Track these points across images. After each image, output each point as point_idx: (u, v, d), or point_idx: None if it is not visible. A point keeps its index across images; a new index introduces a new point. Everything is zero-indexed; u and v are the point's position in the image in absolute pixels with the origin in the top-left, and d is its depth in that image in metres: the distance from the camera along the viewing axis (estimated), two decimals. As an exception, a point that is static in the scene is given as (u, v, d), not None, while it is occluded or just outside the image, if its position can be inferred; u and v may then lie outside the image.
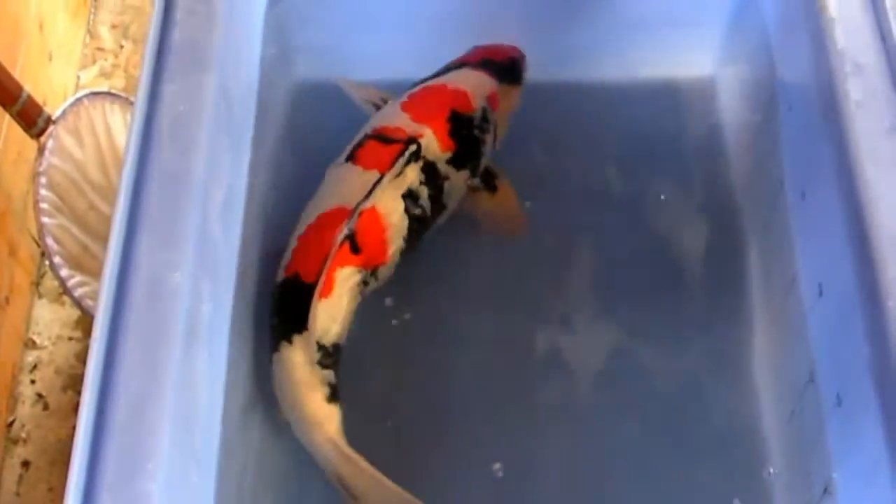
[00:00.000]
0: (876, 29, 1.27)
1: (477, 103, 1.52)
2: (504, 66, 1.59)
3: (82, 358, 1.72)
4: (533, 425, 1.43)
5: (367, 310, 1.42)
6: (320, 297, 1.32)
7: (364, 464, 1.27)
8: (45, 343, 1.85)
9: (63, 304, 1.88)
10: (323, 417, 1.30)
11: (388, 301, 1.49)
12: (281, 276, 1.38)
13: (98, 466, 1.00)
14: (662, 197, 1.58)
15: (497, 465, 1.39)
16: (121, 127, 1.81)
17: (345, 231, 1.34)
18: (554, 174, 1.60)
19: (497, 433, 1.42)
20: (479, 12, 1.65)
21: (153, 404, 1.03)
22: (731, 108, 1.65)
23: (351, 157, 1.45)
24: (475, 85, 1.54)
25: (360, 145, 1.46)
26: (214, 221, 1.22)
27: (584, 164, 1.61)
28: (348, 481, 1.28)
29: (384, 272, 1.43)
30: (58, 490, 1.68)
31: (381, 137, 1.45)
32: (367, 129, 1.49)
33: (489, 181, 1.55)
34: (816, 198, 1.31)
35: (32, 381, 1.81)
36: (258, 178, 1.42)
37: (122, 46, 2.19)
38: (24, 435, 1.76)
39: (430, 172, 1.45)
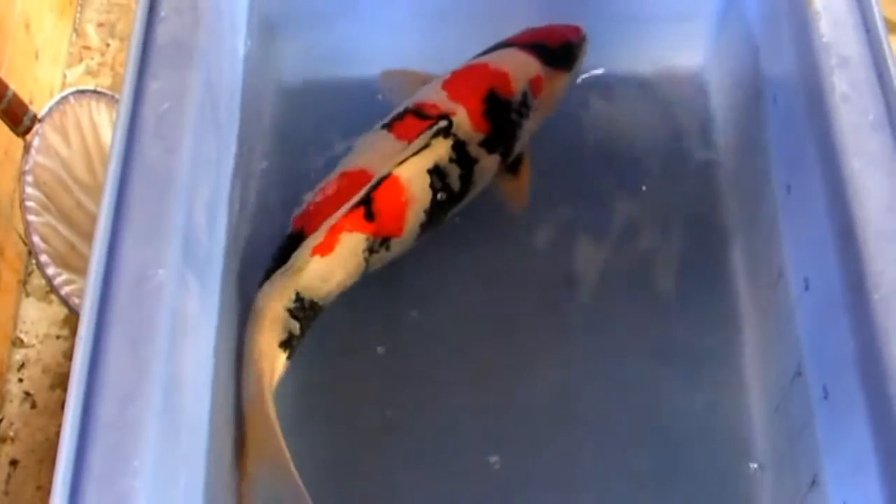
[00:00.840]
0: (861, 22, 1.27)
1: (517, 87, 1.49)
2: (554, 50, 1.55)
3: (70, 356, 1.71)
4: (527, 419, 1.43)
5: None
6: (315, 252, 1.32)
7: (271, 418, 1.25)
8: (33, 341, 1.85)
9: (50, 302, 1.88)
10: (265, 356, 1.30)
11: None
12: (289, 229, 1.38)
13: (84, 464, 1.00)
14: (643, 188, 1.58)
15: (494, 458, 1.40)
16: (107, 125, 1.81)
17: (359, 196, 1.34)
18: (538, 167, 1.59)
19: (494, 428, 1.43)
20: (468, 7, 1.65)
21: (139, 402, 1.03)
22: (719, 101, 1.65)
23: (387, 126, 1.44)
24: (518, 67, 1.51)
25: (398, 118, 1.45)
26: (200, 218, 1.22)
27: (568, 156, 1.61)
28: (247, 427, 1.27)
29: (398, 245, 1.41)
30: (46, 489, 1.68)
31: (418, 113, 1.44)
32: (408, 103, 1.48)
33: (515, 164, 1.53)
34: (802, 191, 1.31)
35: (20, 380, 1.81)
36: (244, 175, 1.42)
37: (108, 45, 2.19)
38: (11, 434, 1.76)
39: (461, 152, 1.42)
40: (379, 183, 1.35)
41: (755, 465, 1.38)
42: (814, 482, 1.23)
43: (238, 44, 1.47)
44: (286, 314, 1.32)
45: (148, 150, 1.17)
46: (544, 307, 1.51)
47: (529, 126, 1.51)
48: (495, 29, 1.60)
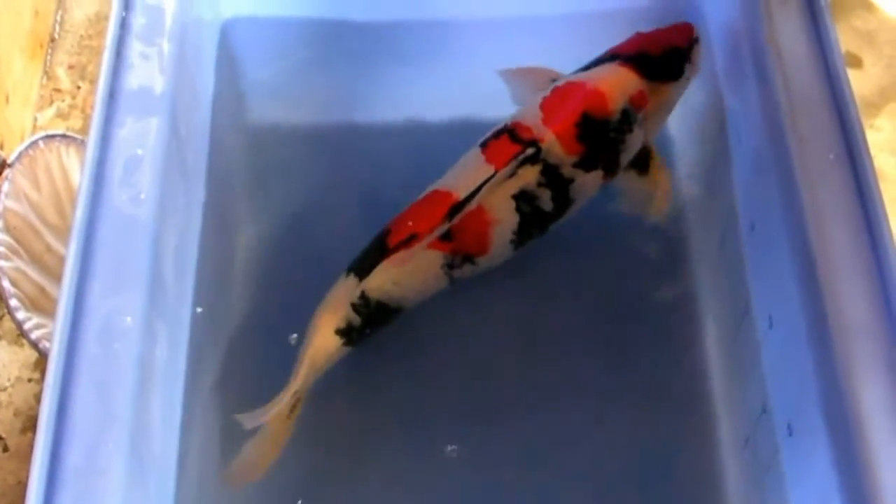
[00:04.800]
0: (821, 62, 1.29)
1: (615, 106, 1.44)
2: (658, 61, 1.49)
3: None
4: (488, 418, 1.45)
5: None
6: (389, 263, 1.36)
7: (295, 389, 1.31)
8: (5, 384, 1.85)
9: (22, 345, 1.87)
10: (320, 339, 1.36)
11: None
12: (386, 225, 1.41)
13: (53, 510, 1.00)
14: (611, 221, 1.59)
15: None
16: (77, 169, 1.81)
17: (441, 230, 1.36)
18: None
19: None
20: (440, 43, 1.67)
21: (107, 448, 1.04)
22: (684, 140, 1.66)
23: (484, 144, 1.44)
24: (616, 85, 1.46)
25: (495, 136, 1.44)
26: (167, 264, 1.22)
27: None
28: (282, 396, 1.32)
29: (487, 261, 1.43)
30: (18, 533, 1.67)
31: (513, 134, 1.43)
32: (509, 119, 1.46)
33: (642, 161, 1.50)
34: (766, 229, 1.32)
35: (-9, 424, 1.81)
36: (212, 221, 1.42)
37: (79, 87, 2.19)
38: (-17, 478, 1.76)
39: (552, 175, 1.41)
40: (460, 210, 1.37)
41: None
42: (781, 519, 1.24)
43: (205, 89, 1.48)
44: (348, 307, 1.37)
45: (115, 196, 1.17)
46: (513, 347, 1.51)
47: (637, 136, 1.47)
48: (469, 71, 1.61)
